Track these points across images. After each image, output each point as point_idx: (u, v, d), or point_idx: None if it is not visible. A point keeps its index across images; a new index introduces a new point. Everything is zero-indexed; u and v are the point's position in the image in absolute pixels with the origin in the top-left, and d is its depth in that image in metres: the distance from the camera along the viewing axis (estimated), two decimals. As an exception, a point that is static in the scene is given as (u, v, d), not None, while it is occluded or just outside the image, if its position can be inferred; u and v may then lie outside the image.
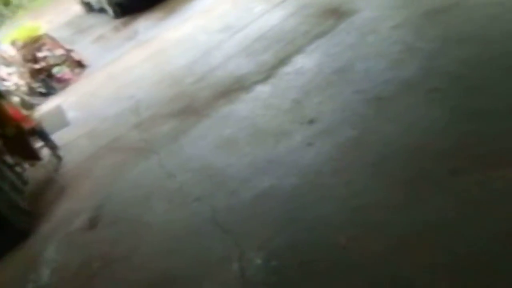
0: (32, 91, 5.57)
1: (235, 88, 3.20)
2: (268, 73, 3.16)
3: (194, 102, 3.35)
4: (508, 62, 2.13)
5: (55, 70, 5.70)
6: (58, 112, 4.79)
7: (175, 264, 1.94)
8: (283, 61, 3.21)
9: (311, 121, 2.44)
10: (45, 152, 3.74)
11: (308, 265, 1.69)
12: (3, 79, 5.26)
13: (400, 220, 1.67)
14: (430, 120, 2.05)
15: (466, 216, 1.57)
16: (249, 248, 1.84)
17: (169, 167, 2.61)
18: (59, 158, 3.66)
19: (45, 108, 5.22)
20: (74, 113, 4.59)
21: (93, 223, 2.58)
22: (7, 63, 5.80)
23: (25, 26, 6.66)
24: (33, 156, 3.51)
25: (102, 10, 7.51)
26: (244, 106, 2.91)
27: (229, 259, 1.79)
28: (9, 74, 5.53)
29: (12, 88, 5.08)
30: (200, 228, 2.03)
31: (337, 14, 3.45)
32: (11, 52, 5.89)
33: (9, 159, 3.31)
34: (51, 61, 5.73)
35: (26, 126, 3.48)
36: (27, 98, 5.18)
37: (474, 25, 2.51)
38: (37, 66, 5.68)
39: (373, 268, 1.55)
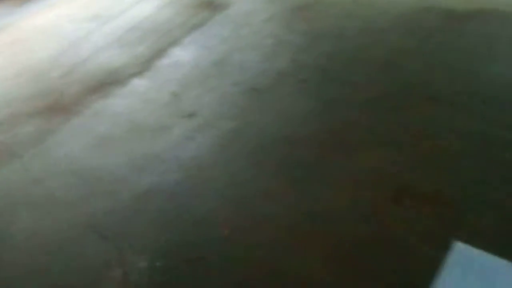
0: None
1: (108, 82, 2.99)
2: (144, 65, 3.03)
3: (63, 98, 3.04)
4: (362, 55, 2.38)
5: None
6: None
7: (46, 279, 1.76)
8: (159, 53, 3.11)
9: (191, 115, 2.42)
10: None
11: (195, 262, 1.68)
12: None
13: (280, 209, 1.77)
14: (301, 109, 2.19)
15: (338, 200, 1.72)
16: (131, 252, 1.76)
17: (35, 171, 2.33)
18: None
19: None
20: None
21: None
22: None
23: None
24: None
25: None
26: (120, 101, 2.75)
27: (110, 266, 1.68)
28: None
29: None
30: (74, 236, 1.87)
31: (212, 6, 3.45)
32: None
33: None
34: None
35: None
36: None
37: (333, 20, 2.74)
38: None
39: (257, 259, 1.61)
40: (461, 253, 1.54)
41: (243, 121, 2.26)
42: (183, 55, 3.01)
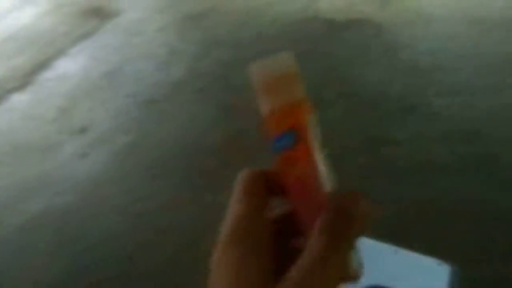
0: None
1: (-18, 99, 2.68)
2: (25, 79, 2.76)
3: None
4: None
5: None
6: None
7: None
8: (43, 65, 2.86)
9: (83, 130, 2.26)
10: None
11: (96, 286, 1.57)
12: None
13: (184, 220, 1.74)
14: (199, 119, 2.19)
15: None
16: (22, 286, 1.59)
17: None
18: None
19: None
20: None
21: None
22: None
23: None
24: None
25: None
26: (-2, 120, 2.47)
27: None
28: None
29: None
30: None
31: (101, 15, 3.28)
32: None
33: None
34: None
35: None
36: None
37: (228, 29, 2.80)
38: None
39: (160, 276, 1.56)
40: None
41: (139, 134, 2.19)
42: (70, 67, 2.81)
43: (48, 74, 2.76)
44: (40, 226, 1.82)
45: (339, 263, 0.31)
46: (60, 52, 2.96)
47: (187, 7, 3.08)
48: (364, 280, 1.48)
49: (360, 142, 2.00)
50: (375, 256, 1.57)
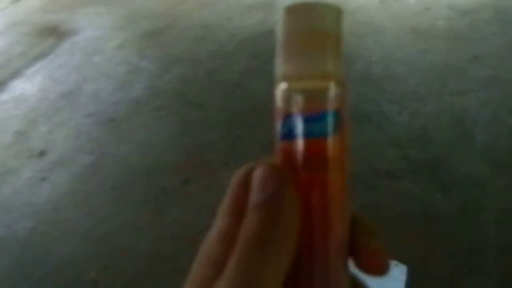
0: None
1: None
2: (-21, 103, 2.69)
3: None
4: (215, 77, 2.51)
5: None
6: None
7: None
8: (-3, 87, 2.80)
9: (42, 153, 2.23)
10: None
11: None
12: None
13: (148, 239, 1.75)
14: (160, 136, 2.20)
15: (203, 223, 1.77)
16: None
17: None
18: None
19: None
20: None
21: None
22: None
23: None
24: None
25: None
26: (-50, 147, 2.40)
27: None
28: None
29: None
30: None
31: (57, 33, 3.25)
32: None
33: None
34: None
35: None
36: None
37: (187, 45, 2.83)
38: None
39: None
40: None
41: (100, 154, 2.18)
42: (26, 88, 2.76)
43: (4, 97, 2.71)
44: (0, 251, 1.78)
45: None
46: (16, 73, 2.90)
47: (146, 24, 3.09)
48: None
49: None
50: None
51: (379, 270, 0.28)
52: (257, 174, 0.25)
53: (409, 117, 2.17)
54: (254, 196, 0.25)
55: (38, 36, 3.25)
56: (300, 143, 0.23)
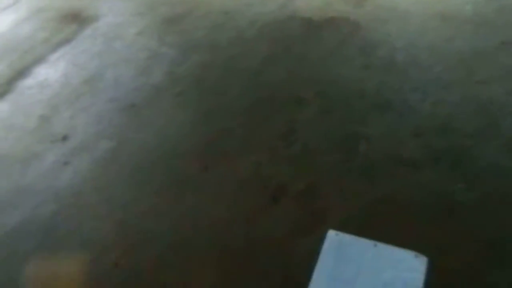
0: None
1: (-38, 109, 2.67)
2: (4, 88, 2.76)
3: None
4: (234, 64, 2.49)
5: None
6: None
7: None
8: (22, 73, 2.86)
9: (64, 138, 2.28)
10: None
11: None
12: None
13: (167, 225, 1.77)
14: (179, 123, 2.22)
15: (221, 210, 1.78)
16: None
17: None
18: None
19: None
20: None
21: None
22: None
23: None
24: None
25: None
26: (-22, 130, 2.47)
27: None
28: None
29: None
30: None
31: (80, 19, 3.28)
32: None
33: None
34: None
35: None
36: None
37: (206, 31, 2.82)
38: None
39: (146, 278, 1.59)
40: (333, 240, 1.72)
41: (121, 140, 2.21)
42: (50, 74, 2.81)
43: (28, 82, 2.76)
44: (21, 237, 1.84)
45: None
46: (40, 59, 2.96)
47: (166, 10, 3.09)
48: (346, 273, 1.53)
49: (337, 140, 2.04)
50: (355, 251, 1.62)
51: None
52: None
53: (433, 106, 2.12)
54: None
55: (61, 22, 3.28)
56: None
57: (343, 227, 1.64)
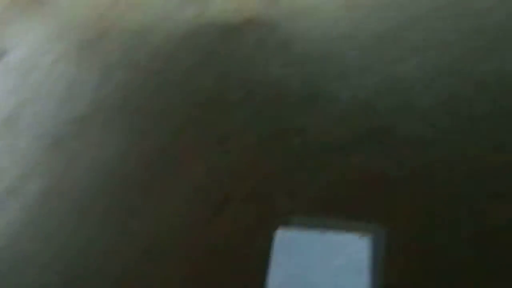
0: None
1: None
2: None
3: None
4: (157, 79, 2.47)
5: None
6: None
7: None
8: None
9: (-11, 187, 2.14)
10: None
11: None
12: None
13: (115, 262, 1.73)
14: (110, 149, 2.16)
15: (170, 223, 1.76)
16: None
17: None
18: None
19: None
20: None
21: None
22: None
23: None
24: None
25: None
26: None
27: None
28: None
29: None
30: None
31: (-13, 57, 3.08)
32: None
33: None
34: None
35: None
36: None
37: (125, 50, 2.75)
38: None
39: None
40: (282, 238, 1.76)
41: (53, 178, 2.11)
42: (-38, 121, 2.62)
43: None
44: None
45: None
46: None
47: (80, 34, 2.98)
48: (299, 268, 1.57)
49: (273, 137, 2.09)
50: (305, 243, 1.67)
51: None
52: None
53: (353, 91, 2.22)
54: None
55: (-34, 63, 3.07)
56: None
57: (292, 222, 1.69)
